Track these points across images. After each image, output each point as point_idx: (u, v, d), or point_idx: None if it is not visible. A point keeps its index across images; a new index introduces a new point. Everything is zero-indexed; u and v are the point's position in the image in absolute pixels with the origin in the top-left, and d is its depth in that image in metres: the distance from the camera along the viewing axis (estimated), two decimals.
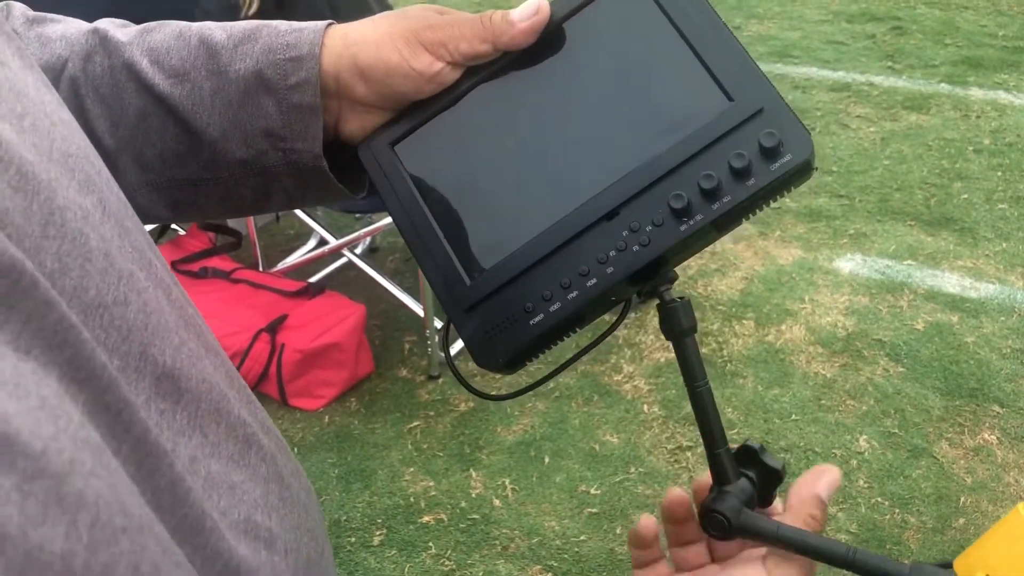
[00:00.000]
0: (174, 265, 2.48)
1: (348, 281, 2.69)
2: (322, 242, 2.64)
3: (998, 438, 2.02)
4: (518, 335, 0.46)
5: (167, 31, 0.50)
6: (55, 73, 0.49)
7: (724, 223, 0.45)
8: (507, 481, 2.00)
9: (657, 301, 0.46)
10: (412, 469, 2.05)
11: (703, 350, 2.32)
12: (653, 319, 2.43)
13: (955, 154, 3.26)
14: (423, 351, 2.41)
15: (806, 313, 2.46)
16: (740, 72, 0.45)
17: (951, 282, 2.56)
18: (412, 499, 1.97)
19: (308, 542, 0.39)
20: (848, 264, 2.68)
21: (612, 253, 0.45)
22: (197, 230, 2.65)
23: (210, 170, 0.50)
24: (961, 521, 1.83)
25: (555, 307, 0.46)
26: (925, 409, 2.11)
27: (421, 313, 2.39)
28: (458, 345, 2.05)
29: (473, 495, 1.97)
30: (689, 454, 2.03)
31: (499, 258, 0.47)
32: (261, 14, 2.15)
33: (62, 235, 0.29)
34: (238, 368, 1.80)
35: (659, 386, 2.23)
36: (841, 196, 3.03)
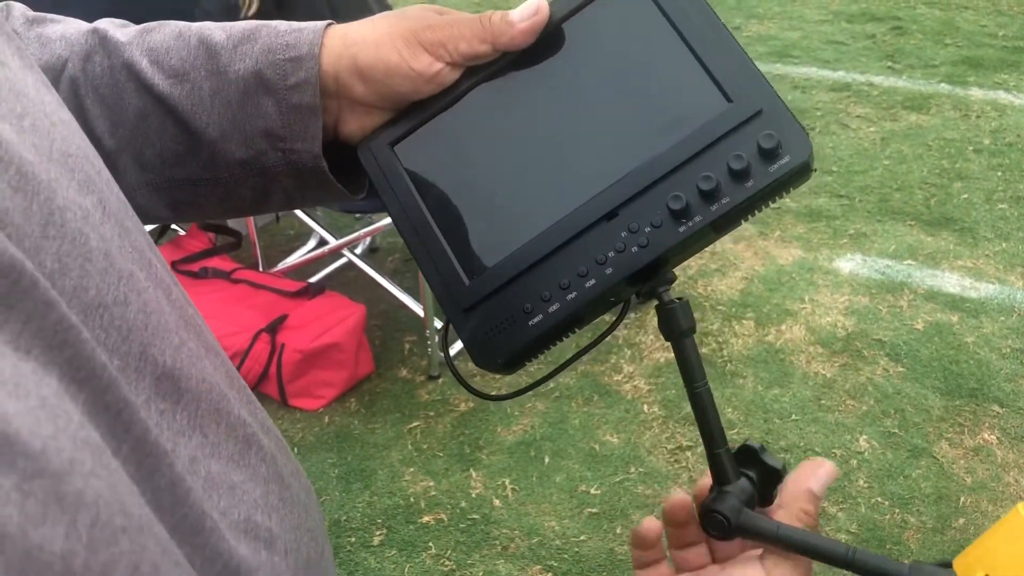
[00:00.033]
0: (174, 265, 2.48)
1: (348, 281, 2.69)
2: (322, 242, 2.63)
3: (998, 438, 2.02)
4: (517, 335, 0.46)
5: (167, 31, 0.50)
6: (55, 73, 0.49)
7: (723, 224, 0.45)
8: (507, 481, 2.00)
9: (656, 302, 0.46)
10: (412, 469, 2.05)
11: (703, 350, 2.32)
12: (653, 319, 2.43)
13: (955, 154, 3.26)
14: (423, 351, 2.41)
15: (806, 313, 2.46)
16: (739, 73, 0.45)
17: (951, 282, 2.56)
18: (412, 499, 1.97)
19: (308, 542, 0.39)
20: (848, 264, 2.67)
21: (611, 254, 0.45)
22: (197, 230, 2.65)
23: (209, 170, 0.50)
24: (961, 521, 1.83)
25: (554, 308, 0.46)
26: (925, 409, 2.11)
27: (421, 313, 2.39)
28: (458, 345, 2.04)
29: (473, 495, 1.97)
30: (689, 454, 2.03)
31: (498, 258, 0.47)
32: (261, 14, 2.15)
33: (62, 235, 0.29)
34: (238, 368, 1.80)
35: (659, 386, 2.23)
36: (841, 196, 3.03)
